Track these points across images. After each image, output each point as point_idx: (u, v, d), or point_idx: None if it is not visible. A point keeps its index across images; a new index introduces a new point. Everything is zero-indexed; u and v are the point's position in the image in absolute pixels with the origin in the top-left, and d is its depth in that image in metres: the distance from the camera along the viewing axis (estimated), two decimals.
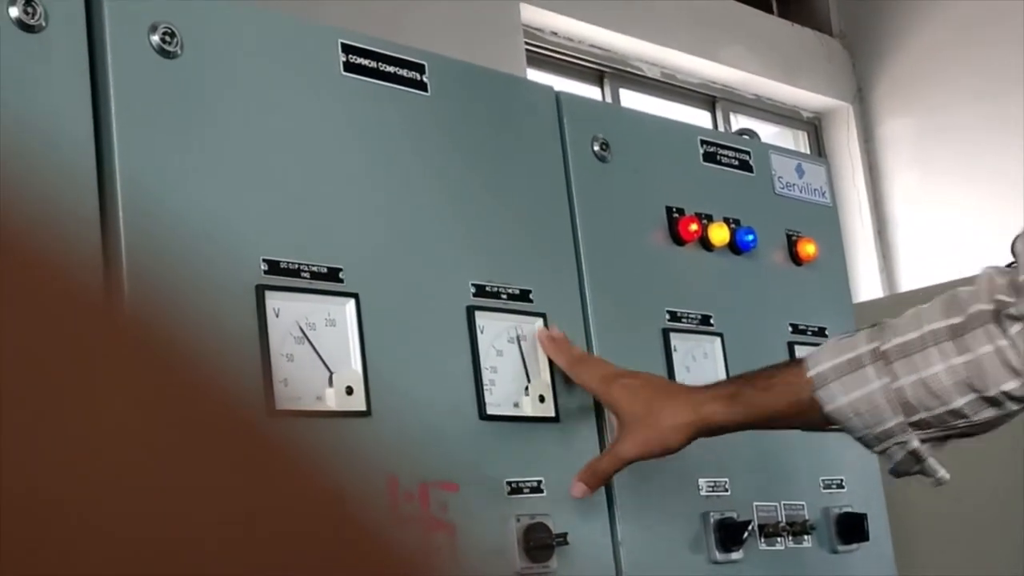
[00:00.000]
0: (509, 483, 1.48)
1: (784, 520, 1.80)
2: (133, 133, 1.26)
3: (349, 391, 1.35)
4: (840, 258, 2.10)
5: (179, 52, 1.30)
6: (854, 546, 1.89)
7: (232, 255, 1.30)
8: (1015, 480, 2.57)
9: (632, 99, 3.85)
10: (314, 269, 1.36)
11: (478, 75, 1.66)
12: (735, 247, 1.86)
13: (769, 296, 1.91)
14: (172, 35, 1.30)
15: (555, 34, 3.63)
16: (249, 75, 1.37)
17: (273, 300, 1.32)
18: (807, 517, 1.83)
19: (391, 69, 1.51)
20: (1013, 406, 1.37)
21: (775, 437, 1.84)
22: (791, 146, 4.06)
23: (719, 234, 1.82)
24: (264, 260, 1.32)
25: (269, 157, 1.36)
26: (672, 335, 1.73)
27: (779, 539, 1.78)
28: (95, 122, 1.24)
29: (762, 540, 1.76)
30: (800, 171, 2.03)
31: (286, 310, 1.33)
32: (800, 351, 1.91)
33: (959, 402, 1.36)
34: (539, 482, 1.51)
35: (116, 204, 1.23)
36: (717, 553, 1.69)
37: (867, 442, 1.43)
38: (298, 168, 1.39)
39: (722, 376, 1.78)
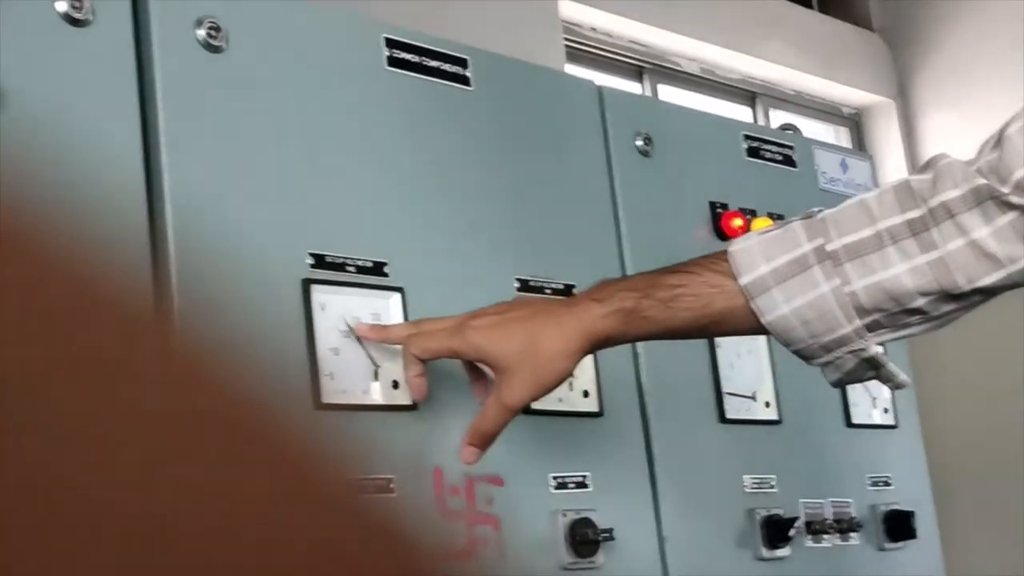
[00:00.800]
0: (554, 478, 1.48)
1: (831, 517, 1.78)
2: (180, 127, 1.26)
3: (395, 385, 1.35)
4: None
5: (225, 46, 1.31)
6: (901, 544, 1.87)
7: (278, 250, 1.30)
8: None
9: (671, 95, 3.84)
10: (359, 263, 1.36)
11: (520, 70, 1.65)
12: None
13: None
14: (218, 29, 1.30)
15: (594, 29, 3.62)
16: (294, 69, 1.37)
17: (319, 294, 1.32)
18: (854, 514, 1.82)
19: (434, 64, 1.51)
20: (978, 298, 1.23)
21: (820, 433, 1.83)
22: (832, 142, 4.03)
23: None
24: (310, 254, 1.32)
25: (314, 151, 1.36)
26: None
27: (826, 536, 1.77)
28: (142, 117, 1.24)
29: (809, 537, 1.75)
30: (844, 166, 2.02)
31: (332, 304, 1.33)
32: None
33: (920, 302, 1.23)
34: (584, 477, 1.51)
35: (163, 199, 1.23)
36: (763, 550, 1.68)
37: (807, 354, 1.28)
38: (343, 162, 1.39)
39: (767, 374, 1.77)
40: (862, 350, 1.26)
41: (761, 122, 4.01)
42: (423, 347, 1.31)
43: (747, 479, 1.70)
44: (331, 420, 1.34)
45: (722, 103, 4.01)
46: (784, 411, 1.77)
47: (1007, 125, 1.25)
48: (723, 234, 1.78)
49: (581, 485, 1.50)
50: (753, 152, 1.88)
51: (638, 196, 1.69)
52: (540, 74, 1.70)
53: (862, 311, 1.24)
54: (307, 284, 1.31)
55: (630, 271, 1.65)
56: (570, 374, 1.28)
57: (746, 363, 1.75)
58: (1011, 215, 1.20)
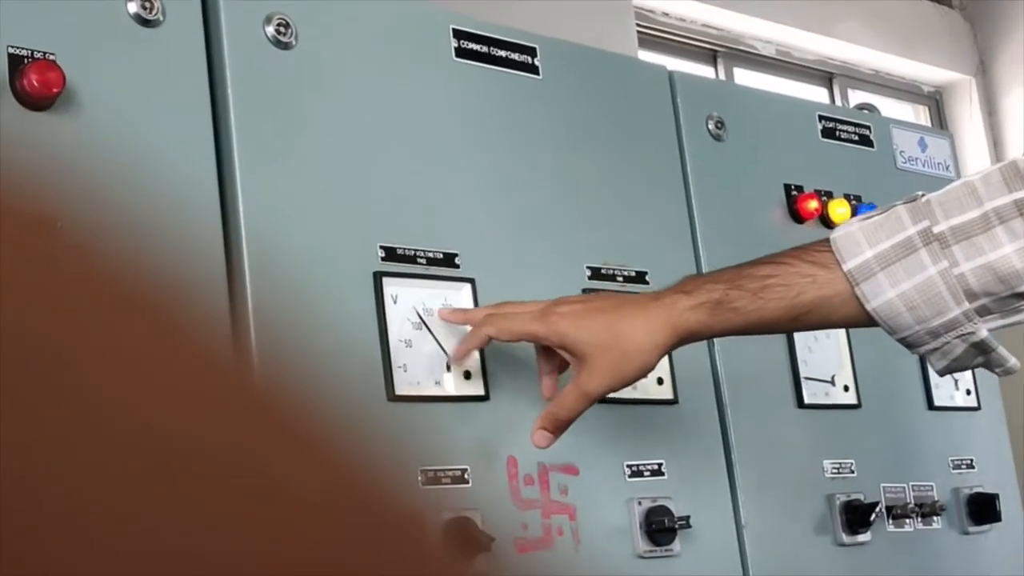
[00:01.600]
0: (629, 466, 1.47)
1: (913, 501, 1.76)
2: (251, 124, 1.28)
3: (467, 376, 1.35)
4: None
5: (294, 43, 1.32)
6: (986, 527, 1.84)
7: (350, 243, 1.31)
8: None
9: (747, 78, 3.80)
10: (430, 255, 1.37)
11: (589, 57, 1.65)
12: None
13: None
14: (287, 26, 1.31)
15: (666, 15, 3.59)
16: (362, 63, 1.38)
17: (391, 286, 1.32)
18: (936, 498, 1.79)
19: (502, 53, 1.51)
20: None
21: (901, 417, 1.81)
22: (912, 121, 3.96)
23: (840, 211, 1.79)
24: (381, 247, 1.33)
25: (384, 144, 1.37)
26: None
27: (908, 521, 1.74)
28: (213, 114, 1.26)
29: (890, 522, 1.73)
30: (923, 145, 1.98)
31: (404, 296, 1.33)
32: None
33: None
34: (659, 465, 1.50)
35: (236, 197, 1.25)
36: (844, 536, 1.66)
37: (913, 341, 1.23)
38: (412, 154, 1.39)
39: (846, 357, 1.75)
40: (971, 334, 1.21)
41: (839, 103, 3.96)
42: (503, 327, 1.29)
43: (827, 464, 1.68)
44: (404, 412, 1.35)
45: (799, 85, 3.97)
46: (863, 395, 1.75)
47: None
48: (799, 217, 1.76)
49: (656, 473, 1.49)
50: (828, 133, 1.86)
51: (711, 180, 1.68)
52: (609, 60, 1.70)
53: (971, 295, 1.19)
54: (379, 277, 1.32)
55: (703, 257, 1.63)
56: (652, 368, 1.27)
57: (824, 347, 1.73)
58: None
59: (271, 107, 1.30)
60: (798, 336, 1.70)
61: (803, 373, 1.69)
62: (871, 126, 1.92)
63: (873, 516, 1.66)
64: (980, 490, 1.84)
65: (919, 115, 4.33)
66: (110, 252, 0.30)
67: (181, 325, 0.31)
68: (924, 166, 1.97)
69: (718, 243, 1.66)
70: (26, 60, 1.14)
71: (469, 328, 1.35)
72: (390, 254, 1.34)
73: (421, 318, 1.34)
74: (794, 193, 1.76)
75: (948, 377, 1.88)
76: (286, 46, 1.31)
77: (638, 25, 3.34)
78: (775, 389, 1.67)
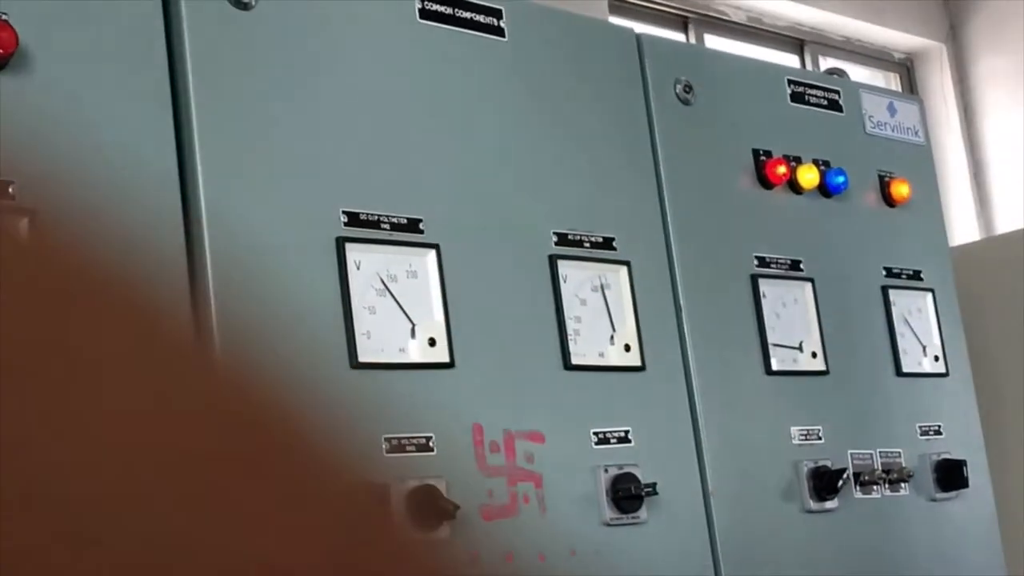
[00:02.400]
0: (595, 433, 1.46)
1: (880, 468, 1.76)
2: (209, 86, 1.25)
3: (432, 342, 1.34)
4: (935, 199, 2.04)
5: (253, 3, 1.29)
6: (953, 493, 1.84)
7: (312, 207, 1.29)
8: None
9: (718, 45, 3.78)
10: (394, 220, 1.35)
11: (555, 19, 1.62)
12: (825, 189, 1.81)
13: (861, 239, 1.86)
14: None
15: None
16: (324, 24, 1.35)
17: (354, 252, 1.30)
18: (904, 464, 1.79)
19: (468, 15, 1.48)
20: None
21: (869, 383, 1.80)
22: (881, 87, 3.96)
23: (808, 176, 1.78)
24: (344, 212, 1.31)
25: (346, 107, 1.35)
26: (761, 281, 1.70)
27: (875, 487, 1.74)
28: (171, 76, 1.23)
29: (858, 488, 1.73)
30: (892, 109, 1.97)
31: (367, 262, 1.31)
32: (894, 295, 1.86)
33: None
34: (626, 432, 1.49)
35: (195, 160, 1.22)
36: (811, 502, 1.65)
37: None
38: (376, 118, 1.37)
39: (813, 324, 1.74)
40: None
41: (810, 70, 3.95)
42: None
43: (794, 431, 1.68)
44: (368, 379, 1.34)
45: (770, 52, 3.95)
46: (831, 361, 1.74)
47: None
48: (767, 182, 1.75)
49: (623, 440, 1.49)
50: (797, 97, 1.85)
51: (679, 145, 1.66)
52: (576, 23, 1.67)
53: None
54: (341, 242, 1.30)
55: (672, 223, 1.62)
56: None
57: (791, 313, 1.72)
58: None
59: (230, 69, 1.27)
60: (765, 302, 1.69)
61: (771, 340, 1.68)
62: (840, 91, 1.91)
63: (840, 483, 1.65)
64: (947, 456, 1.84)
65: (890, 82, 4.32)
66: (64, 217, 0.30)
67: (138, 291, 0.30)
68: (893, 131, 1.96)
69: (685, 209, 1.64)
70: None
71: (434, 295, 1.33)
72: (353, 219, 1.32)
73: (385, 284, 1.33)
74: (762, 158, 1.75)
75: (916, 343, 1.88)
76: (245, 6, 1.29)
77: None
78: (743, 356, 1.66)
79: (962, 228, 4.17)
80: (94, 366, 0.28)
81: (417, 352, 1.33)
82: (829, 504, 1.67)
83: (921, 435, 1.85)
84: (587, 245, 1.52)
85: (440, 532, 1.24)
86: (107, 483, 0.26)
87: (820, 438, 1.70)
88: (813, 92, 1.87)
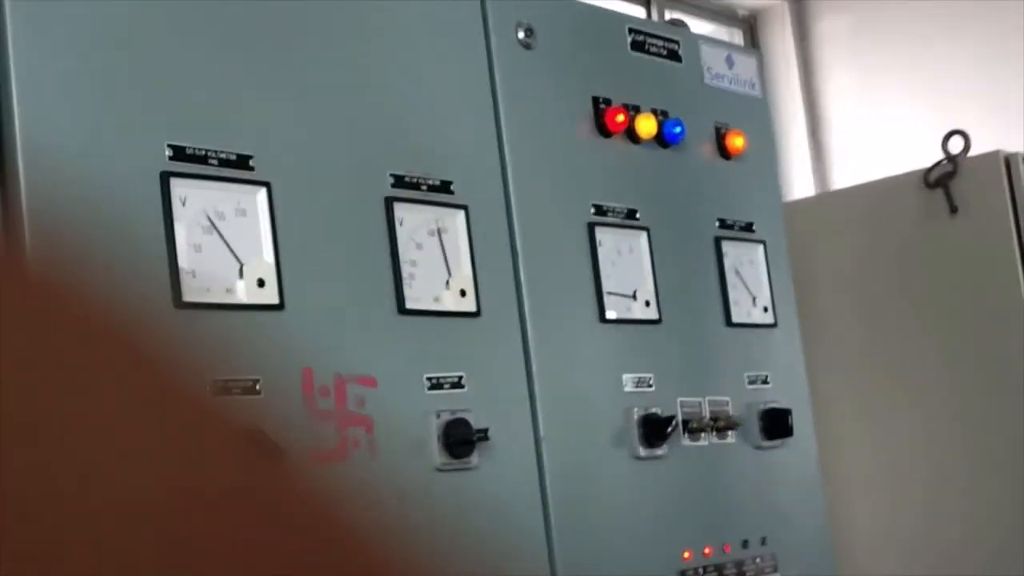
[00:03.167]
0: (429, 379, 1.45)
1: (708, 416, 1.79)
2: (25, 14, 1.19)
3: (261, 283, 1.31)
4: (771, 153, 2.07)
5: None
6: (778, 442, 1.89)
7: (135, 138, 1.24)
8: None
9: None
10: (223, 156, 1.31)
11: None
12: (662, 139, 1.82)
13: (696, 190, 1.88)
14: None
15: None
16: None
17: (179, 188, 1.26)
18: (732, 413, 1.83)
19: None
20: None
21: (700, 333, 1.83)
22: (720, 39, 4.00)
23: (646, 125, 1.78)
24: (169, 145, 1.27)
25: (174, 33, 1.30)
26: (598, 229, 1.70)
27: (703, 435, 1.77)
28: None
29: (686, 435, 1.75)
30: (730, 62, 1.99)
31: (193, 198, 1.27)
32: (727, 247, 1.89)
33: None
34: (460, 378, 1.48)
35: (10, 87, 1.17)
36: (641, 449, 1.68)
37: None
38: (205, 47, 1.32)
39: (647, 272, 1.75)
40: None
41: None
42: None
43: (626, 378, 1.69)
44: (192, 319, 1.30)
45: (616, 2, 3.97)
46: (664, 310, 1.76)
47: None
48: (606, 130, 1.75)
49: (456, 385, 1.48)
50: (638, 46, 1.85)
51: (519, 90, 1.65)
52: None
53: None
54: (166, 177, 1.25)
55: (510, 167, 1.61)
56: None
57: (627, 261, 1.74)
58: None
59: None
60: (602, 250, 1.70)
61: (606, 288, 1.69)
62: (680, 41, 1.92)
63: (669, 429, 1.68)
64: (774, 406, 1.89)
65: (734, 38, 4.38)
66: None
67: None
68: (731, 83, 1.98)
69: (525, 154, 1.64)
70: None
71: (264, 235, 1.30)
72: (179, 153, 1.27)
73: (212, 222, 1.29)
74: (602, 106, 1.75)
75: (747, 294, 1.91)
76: None
77: None
78: (577, 303, 1.66)
79: (800, 183, 4.27)
80: None
81: (244, 293, 1.29)
82: (659, 451, 1.69)
83: (749, 384, 1.88)
84: (424, 188, 1.50)
85: (265, 477, 1.22)
86: None
87: (651, 386, 1.72)
88: (653, 41, 1.88)
